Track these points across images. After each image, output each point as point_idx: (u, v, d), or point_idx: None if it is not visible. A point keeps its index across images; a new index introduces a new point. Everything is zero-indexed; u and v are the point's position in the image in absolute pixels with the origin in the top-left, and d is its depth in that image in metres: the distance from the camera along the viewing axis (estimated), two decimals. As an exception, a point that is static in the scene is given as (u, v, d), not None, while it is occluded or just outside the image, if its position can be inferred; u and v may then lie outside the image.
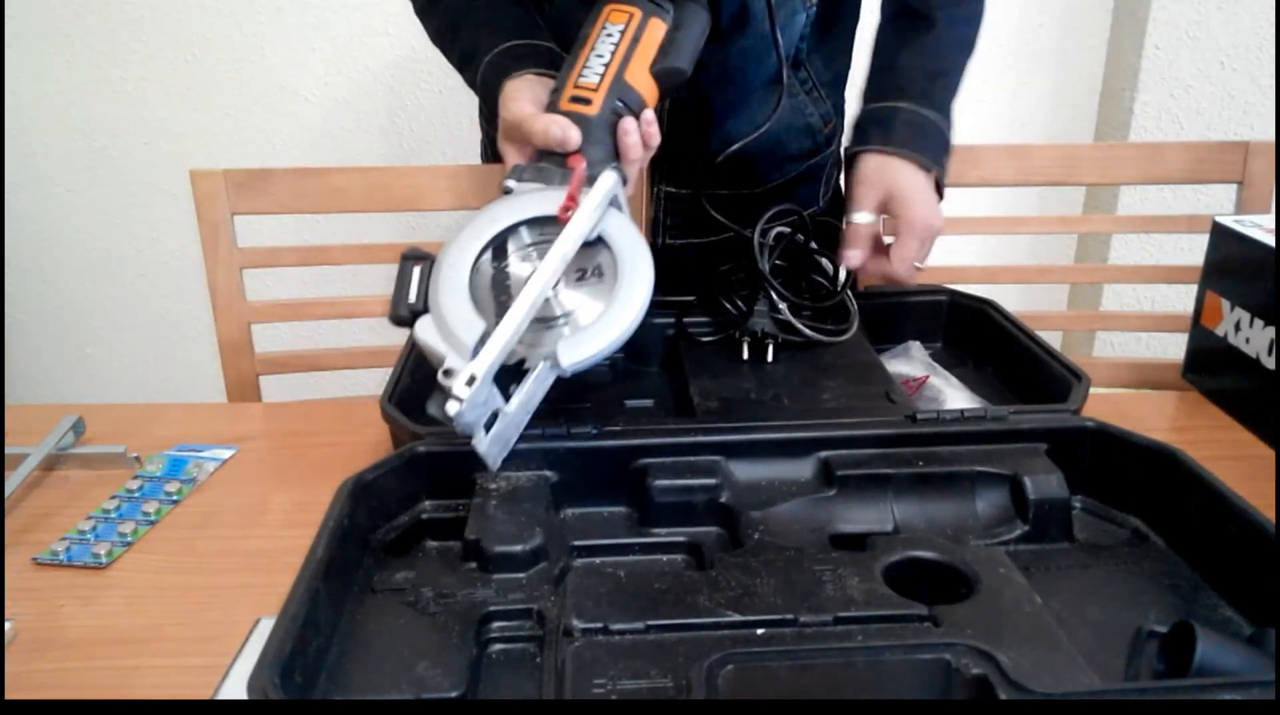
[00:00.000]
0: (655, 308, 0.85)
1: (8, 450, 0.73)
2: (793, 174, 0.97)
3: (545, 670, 0.48)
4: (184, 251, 1.79)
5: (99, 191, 1.79)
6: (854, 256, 0.82)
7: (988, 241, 1.74)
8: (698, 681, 0.43)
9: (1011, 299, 0.88)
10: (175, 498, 0.70)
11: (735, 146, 0.84)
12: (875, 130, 0.84)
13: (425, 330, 0.59)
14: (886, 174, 0.81)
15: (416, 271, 0.61)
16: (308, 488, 0.71)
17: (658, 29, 0.72)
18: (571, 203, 0.62)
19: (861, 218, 0.81)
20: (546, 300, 0.61)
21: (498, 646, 0.51)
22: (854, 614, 0.49)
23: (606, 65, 0.70)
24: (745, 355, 0.80)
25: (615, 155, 0.70)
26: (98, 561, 0.62)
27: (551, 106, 0.69)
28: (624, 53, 0.71)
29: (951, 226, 1.09)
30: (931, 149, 0.82)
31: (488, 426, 0.58)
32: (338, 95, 1.70)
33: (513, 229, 0.63)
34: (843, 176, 1.02)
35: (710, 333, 0.84)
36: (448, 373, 0.56)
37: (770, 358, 0.79)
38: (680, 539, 0.60)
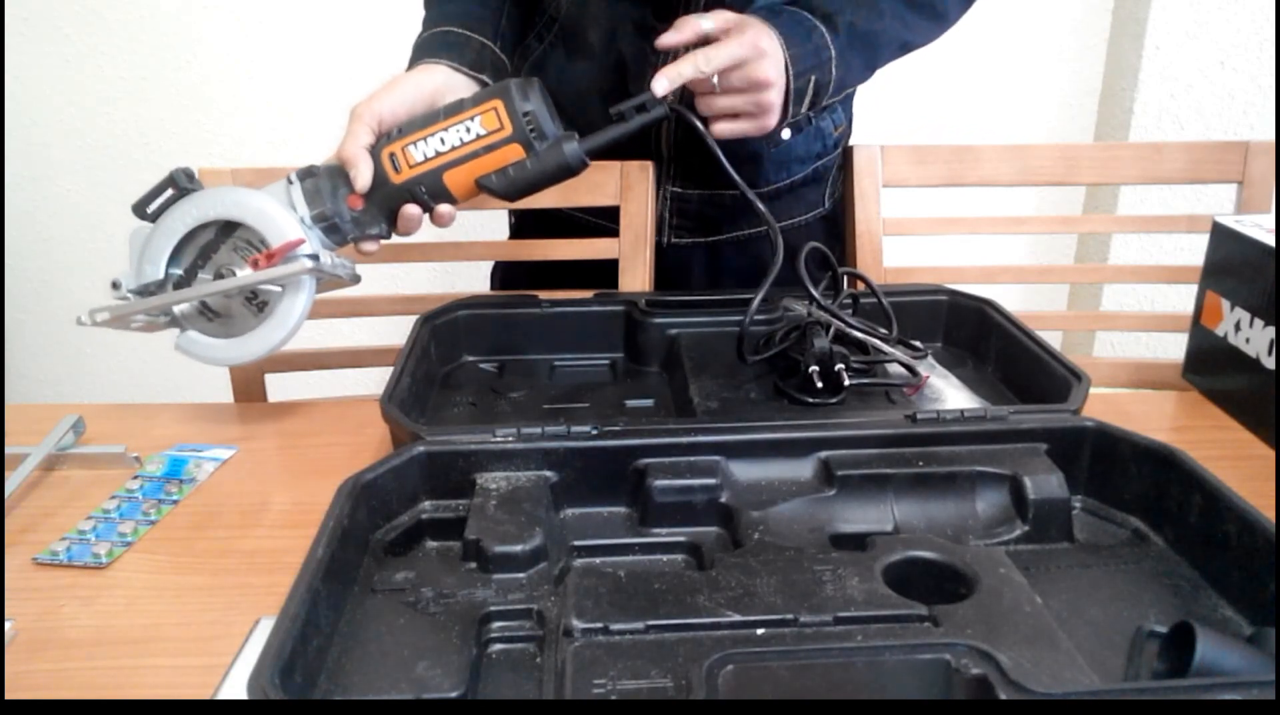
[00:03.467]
0: (656, 308, 0.86)
1: (8, 450, 0.73)
2: (799, 175, 0.97)
3: (545, 670, 0.48)
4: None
5: (99, 191, 1.79)
6: (671, 37, 0.75)
7: (988, 241, 1.74)
8: (698, 681, 0.43)
9: (1011, 299, 0.88)
10: (175, 498, 0.70)
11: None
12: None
13: (137, 236, 0.74)
14: (743, 20, 0.75)
15: (170, 193, 0.73)
16: (308, 488, 0.71)
17: (513, 154, 0.72)
18: (265, 260, 0.71)
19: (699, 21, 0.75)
20: (220, 295, 0.75)
21: (498, 646, 0.51)
22: (854, 614, 0.49)
23: (439, 154, 0.72)
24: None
25: (389, 219, 0.75)
26: (98, 561, 0.62)
27: (380, 143, 0.73)
28: (463, 155, 0.72)
29: (951, 226, 1.09)
30: (799, 40, 0.76)
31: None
32: (341, 94, 1.70)
33: (244, 226, 0.73)
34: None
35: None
36: (115, 285, 0.74)
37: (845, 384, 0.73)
38: (680, 539, 0.60)
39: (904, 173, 1.05)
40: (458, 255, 1.03)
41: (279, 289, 0.73)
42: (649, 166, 0.95)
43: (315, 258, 0.72)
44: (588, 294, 0.90)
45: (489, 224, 1.12)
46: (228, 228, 0.74)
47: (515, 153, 0.72)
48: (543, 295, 0.88)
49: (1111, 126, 1.73)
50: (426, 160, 0.72)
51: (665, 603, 0.50)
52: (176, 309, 0.75)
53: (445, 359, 0.86)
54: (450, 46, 0.80)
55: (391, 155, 0.72)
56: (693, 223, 0.97)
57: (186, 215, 0.73)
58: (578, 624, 0.48)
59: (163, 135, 1.74)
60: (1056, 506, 0.59)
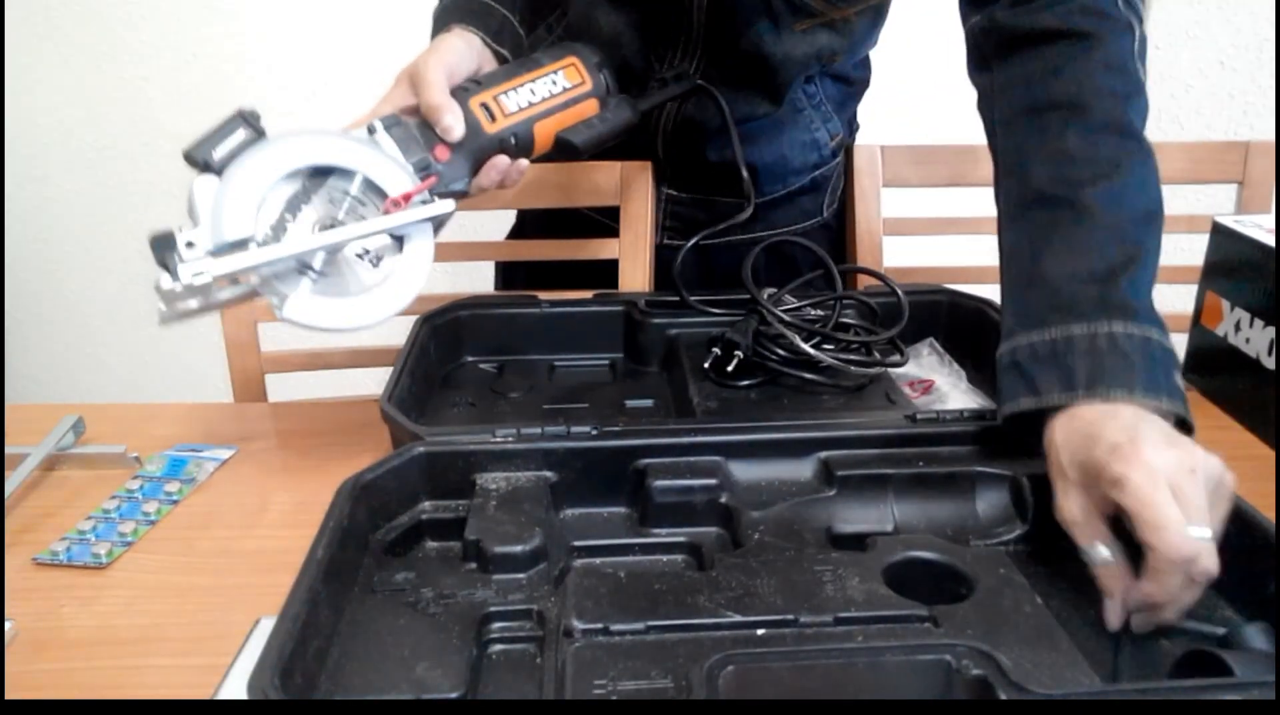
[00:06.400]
0: (656, 308, 0.86)
1: (8, 450, 0.73)
2: (795, 185, 0.97)
3: (545, 671, 0.48)
4: (184, 251, 1.79)
5: (99, 191, 1.79)
6: (1112, 613, 0.50)
7: (988, 241, 1.74)
8: (698, 682, 0.43)
9: (1011, 299, 0.88)
10: (175, 498, 0.70)
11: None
12: (1043, 375, 0.57)
13: (203, 189, 0.60)
14: (1084, 439, 0.52)
15: (241, 133, 0.61)
16: (308, 488, 0.71)
17: (589, 108, 0.77)
18: (404, 202, 0.65)
19: (1097, 554, 0.50)
20: (333, 250, 0.64)
21: (498, 647, 0.51)
22: (854, 614, 0.49)
23: (531, 104, 0.73)
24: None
25: (473, 171, 0.71)
26: (98, 561, 0.62)
27: (460, 95, 0.70)
28: (551, 106, 0.74)
29: (951, 227, 1.09)
30: (1145, 376, 0.54)
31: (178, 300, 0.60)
32: (340, 94, 1.71)
33: (347, 173, 0.64)
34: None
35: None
36: (190, 244, 0.59)
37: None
38: (680, 539, 0.60)
39: (904, 173, 1.05)
40: (458, 255, 1.02)
41: (390, 241, 0.67)
42: (648, 167, 0.95)
43: (449, 198, 0.67)
44: (588, 294, 0.90)
45: (490, 224, 1.12)
46: (314, 178, 0.64)
47: (591, 108, 0.76)
48: (543, 295, 0.88)
49: (1112, 126, 1.72)
50: (520, 110, 0.72)
51: (665, 603, 0.50)
52: (268, 271, 0.62)
53: (445, 359, 0.86)
54: (476, 15, 0.78)
55: (484, 104, 0.71)
56: (685, 225, 0.97)
57: (276, 161, 0.61)
58: (578, 624, 0.48)
59: (163, 135, 1.74)
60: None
